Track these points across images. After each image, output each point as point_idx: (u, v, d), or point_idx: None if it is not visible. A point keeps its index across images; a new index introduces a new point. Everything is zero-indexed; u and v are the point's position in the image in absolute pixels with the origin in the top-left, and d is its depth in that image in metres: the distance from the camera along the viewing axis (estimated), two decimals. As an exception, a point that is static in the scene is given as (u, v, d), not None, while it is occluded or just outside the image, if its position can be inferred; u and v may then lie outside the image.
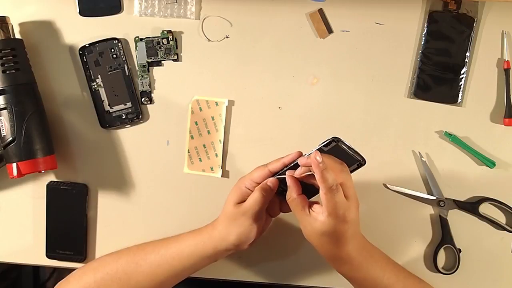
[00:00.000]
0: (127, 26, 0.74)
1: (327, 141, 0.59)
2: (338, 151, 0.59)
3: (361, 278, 0.62)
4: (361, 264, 0.61)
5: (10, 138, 0.68)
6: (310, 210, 0.59)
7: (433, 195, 0.73)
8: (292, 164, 0.61)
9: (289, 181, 0.60)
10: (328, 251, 0.61)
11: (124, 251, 0.69)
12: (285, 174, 0.61)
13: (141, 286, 0.66)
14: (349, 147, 0.59)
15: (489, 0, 0.71)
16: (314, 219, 0.58)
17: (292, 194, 0.60)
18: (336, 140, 0.59)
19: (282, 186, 0.63)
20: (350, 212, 0.58)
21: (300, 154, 0.61)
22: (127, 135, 0.76)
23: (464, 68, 0.72)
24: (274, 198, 0.64)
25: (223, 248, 0.64)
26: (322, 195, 0.57)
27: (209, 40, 0.74)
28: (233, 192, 0.65)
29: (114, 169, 0.76)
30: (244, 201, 0.63)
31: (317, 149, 0.58)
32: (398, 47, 0.73)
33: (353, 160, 0.60)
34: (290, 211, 0.62)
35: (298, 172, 0.60)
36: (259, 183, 0.63)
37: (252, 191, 0.63)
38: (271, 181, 0.62)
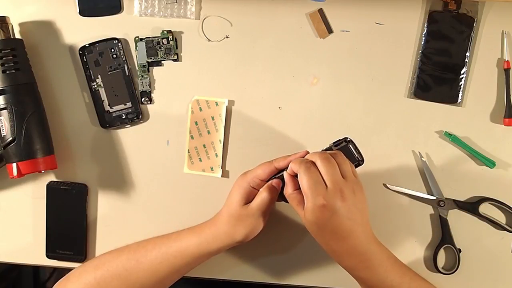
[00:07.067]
0: (127, 26, 0.74)
1: (339, 141, 0.63)
2: (344, 150, 0.62)
3: (362, 277, 0.62)
4: (364, 263, 0.61)
5: (10, 138, 0.68)
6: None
7: (433, 195, 0.73)
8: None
9: (286, 178, 0.61)
10: (326, 245, 0.60)
11: (124, 248, 0.69)
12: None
13: (142, 282, 0.66)
14: (356, 148, 0.62)
15: (489, 0, 0.71)
16: (305, 210, 0.58)
17: (288, 189, 0.61)
18: (347, 140, 0.62)
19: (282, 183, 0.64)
20: (336, 197, 0.57)
21: (307, 153, 0.62)
22: (127, 135, 0.76)
23: (464, 68, 0.72)
24: None
25: (227, 245, 0.65)
26: (299, 181, 0.58)
27: (209, 40, 0.74)
28: (236, 192, 0.65)
29: (114, 169, 0.76)
30: (250, 200, 0.64)
31: (326, 148, 0.63)
32: (398, 47, 0.73)
33: (353, 160, 0.62)
34: (283, 200, 0.64)
35: (289, 169, 0.61)
36: (263, 180, 0.64)
37: (257, 188, 0.64)
38: (275, 182, 0.63)
